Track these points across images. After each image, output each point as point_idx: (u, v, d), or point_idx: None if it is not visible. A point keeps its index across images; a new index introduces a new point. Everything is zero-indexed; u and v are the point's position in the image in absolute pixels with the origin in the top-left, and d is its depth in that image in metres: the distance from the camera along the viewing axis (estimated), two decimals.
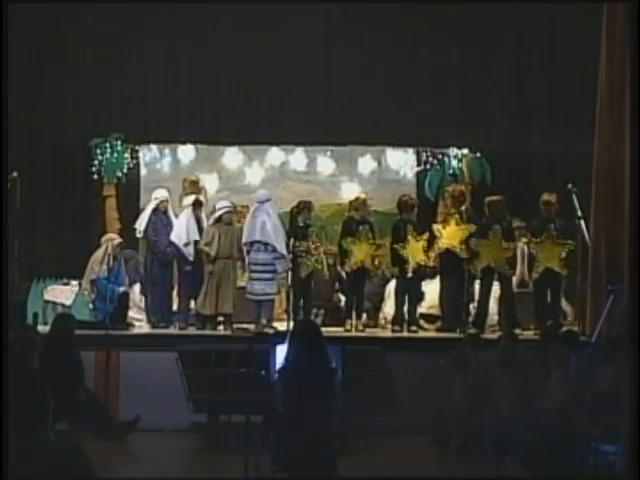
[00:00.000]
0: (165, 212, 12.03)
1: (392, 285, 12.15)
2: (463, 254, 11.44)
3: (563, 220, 11.53)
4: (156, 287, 11.82)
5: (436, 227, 11.76)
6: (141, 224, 12.03)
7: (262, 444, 7.21)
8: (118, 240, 11.91)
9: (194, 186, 12.42)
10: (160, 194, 12.19)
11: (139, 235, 12.07)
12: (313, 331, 7.27)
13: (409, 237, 11.56)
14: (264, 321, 11.32)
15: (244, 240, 11.37)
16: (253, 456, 7.29)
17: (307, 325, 7.91)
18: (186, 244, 11.65)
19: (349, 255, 11.47)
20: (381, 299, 12.34)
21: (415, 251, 11.55)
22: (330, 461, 7.01)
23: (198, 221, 11.84)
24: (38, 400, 4.45)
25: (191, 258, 11.66)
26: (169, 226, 11.91)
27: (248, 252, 11.37)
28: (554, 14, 13.62)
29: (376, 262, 11.64)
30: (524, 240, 11.82)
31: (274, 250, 11.26)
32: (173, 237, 11.71)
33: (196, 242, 11.68)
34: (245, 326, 11.52)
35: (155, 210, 12.02)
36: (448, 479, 8.68)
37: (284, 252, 11.24)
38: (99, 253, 11.71)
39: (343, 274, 11.89)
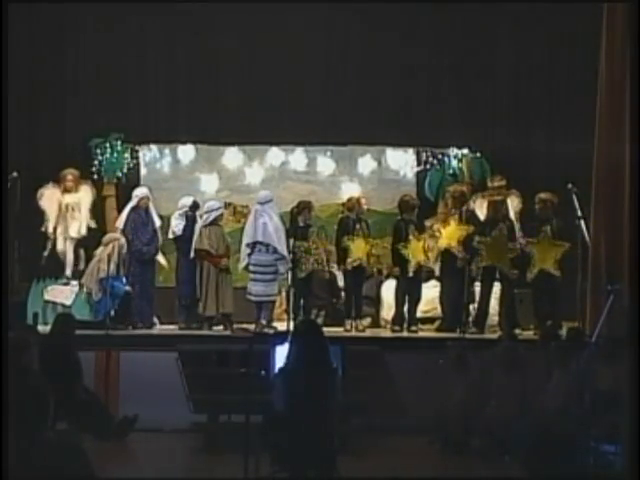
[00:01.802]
0: (146, 210, 12.00)
1: (387, 285, 12.16)
2: (460, 254, 11.44)
3: (560, 220, 11.52)
4: (136, 286, 11.77)
5: (436, 227, 11.76)
6: (120, 222, 12.04)
7: (262, 444, 7.21)
8: (123, 240, 11.89)
9: (74, 181, 12.38)
10: (140, 192, 12.19)
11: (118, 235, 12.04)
12: (315, 330, 7.27)
13: (410, 237, 11.55)
14: (264, 322, 11.33)
15: (246, 241, 11.37)
16: (253, 456, 7.29)
17: (309, 324, 7.91)
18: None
19: (348, 253, 11.47)
20: (378, 301, 12.34)
21: (416, 251, 11.55)
22: (330, 461, 7.01)
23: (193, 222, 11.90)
24: (38, 400, 4.45)
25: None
26: (150, 224, 11.89)
27: (249, 254, 11.37)
28: (554, 14, 13.61)
29: (372, 260, 11.65)
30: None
31: (275, 251, 11.26)
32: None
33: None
34: (245, 326, 11.52)
35: (135, 208, 11.99)
36: (448, 479, 8.68)
37: (285, 253, 11.25)
38: (104, 253, 11.70)
39: (341, 273, 11.91)
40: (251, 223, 11.41)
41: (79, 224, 12.28)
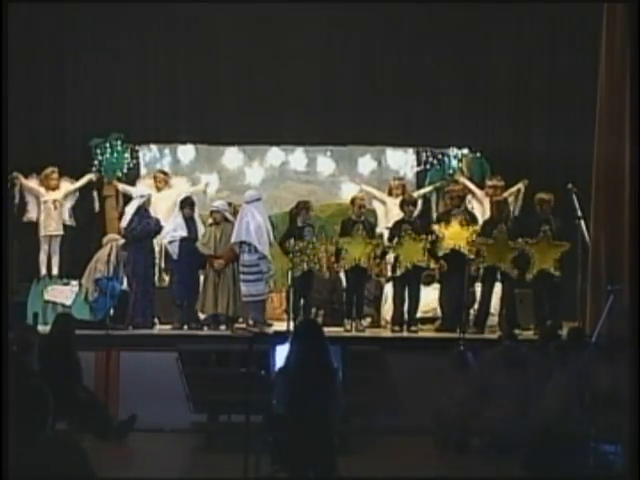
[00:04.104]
0: (146, 209, 12.00)
1: (390, 287, 12.16)
2: (471, 255, 11.38)
3: (559, 220, 11.51)
4: (136, 286, 11.77)
5: (437, 227, 11.72)
6: (124, 220, 12.05)
7: (262, 444, 7.21)
8: (122, 240, 11.89)
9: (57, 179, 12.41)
10: (143, 192, 12.21)
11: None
12: (315, 330, 7.26)
13: (406, 237, 11.53)
14: (250, 322, 11.31)
15: (232, 241, 11.37)
16: (253, 456, 7.29)
17: (309, 324, 7.90)
18: (171, 241, 11.73)
19: (344, 254, 11.45)
20: (380, 302, 12.33)
21: (414, 251, 11.53)
22: (330, 461, 7.01)
23: (188, 220, 11.90)
24: (38, 400, 4.45)
25: (175, 256, 11.74)
26: (149, 220, 11.89)
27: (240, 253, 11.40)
28: (554, 14, 13.62)
29: (371, 261, 11.64)
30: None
31: (256, 251, 11.21)
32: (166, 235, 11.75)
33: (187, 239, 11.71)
34: (244, 326, 11.52)
35: (139, 208, 11.97)
36: (448, 479, 8.68)
37: (266, 252, 11.17)
38: (103, 253, 11.71)
39: (342, 273, 11.90)
40: (237, 223, 11.40)
41: (57, 222, 12.30)
